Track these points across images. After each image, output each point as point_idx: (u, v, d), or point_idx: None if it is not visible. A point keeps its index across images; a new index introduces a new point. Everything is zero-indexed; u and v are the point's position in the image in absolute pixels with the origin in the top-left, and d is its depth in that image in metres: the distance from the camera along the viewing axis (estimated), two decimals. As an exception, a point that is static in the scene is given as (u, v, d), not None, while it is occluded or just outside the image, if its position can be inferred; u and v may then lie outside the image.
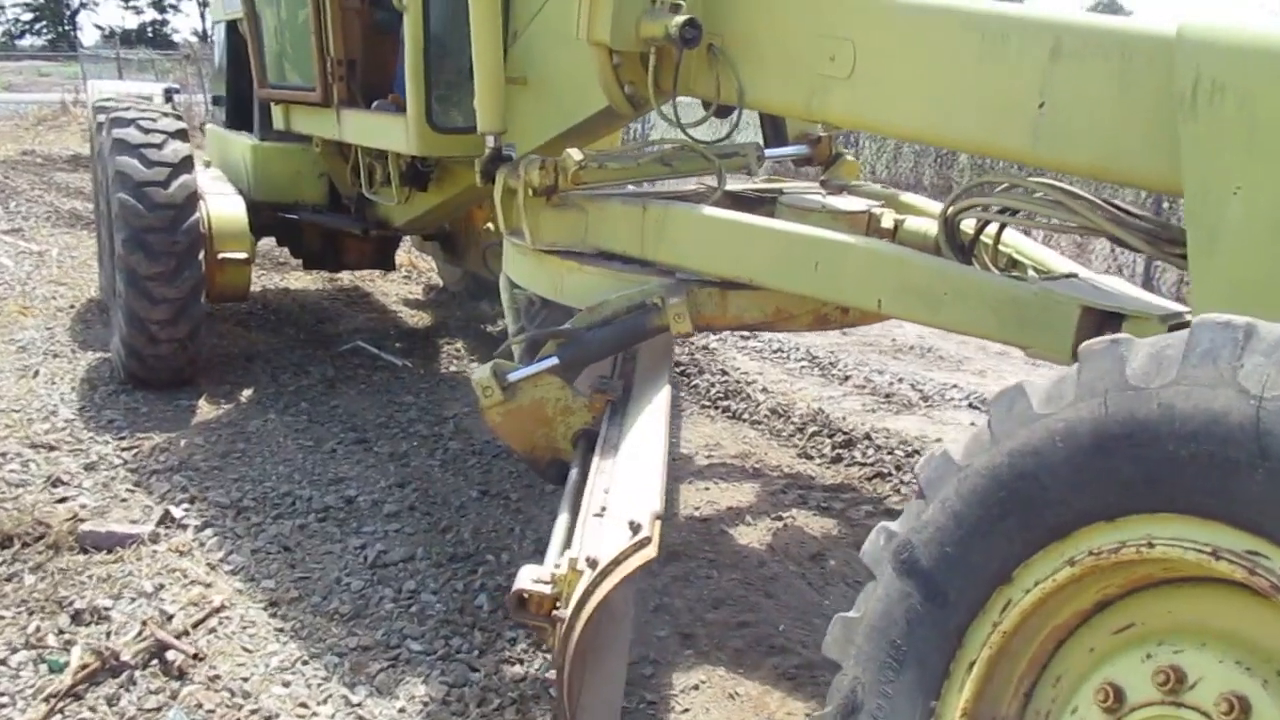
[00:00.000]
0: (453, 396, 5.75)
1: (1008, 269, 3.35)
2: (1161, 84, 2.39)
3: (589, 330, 3.43)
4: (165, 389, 5.50)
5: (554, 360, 3.40)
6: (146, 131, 5.33)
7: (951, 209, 3.07)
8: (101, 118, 6.14)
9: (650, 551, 2.31)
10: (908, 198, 4.06)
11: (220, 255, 5.52)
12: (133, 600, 3.44)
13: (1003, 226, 3.18)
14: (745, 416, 5.52)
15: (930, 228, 3.56)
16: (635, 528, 2.34)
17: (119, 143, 5.26)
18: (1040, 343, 2.75)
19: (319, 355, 6.37)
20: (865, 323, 3.89)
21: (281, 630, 3.31)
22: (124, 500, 4.24)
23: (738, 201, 3.99)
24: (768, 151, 4.25)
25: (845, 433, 5.10)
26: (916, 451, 4.88)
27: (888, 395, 5.99)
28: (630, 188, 4.03)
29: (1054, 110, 2.66)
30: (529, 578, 2.36)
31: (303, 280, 8.43)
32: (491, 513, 4.22)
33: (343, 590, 3.55)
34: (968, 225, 3.14)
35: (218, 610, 3.38)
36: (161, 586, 3.53)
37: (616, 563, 2.29)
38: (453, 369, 6.36)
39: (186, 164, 5.32)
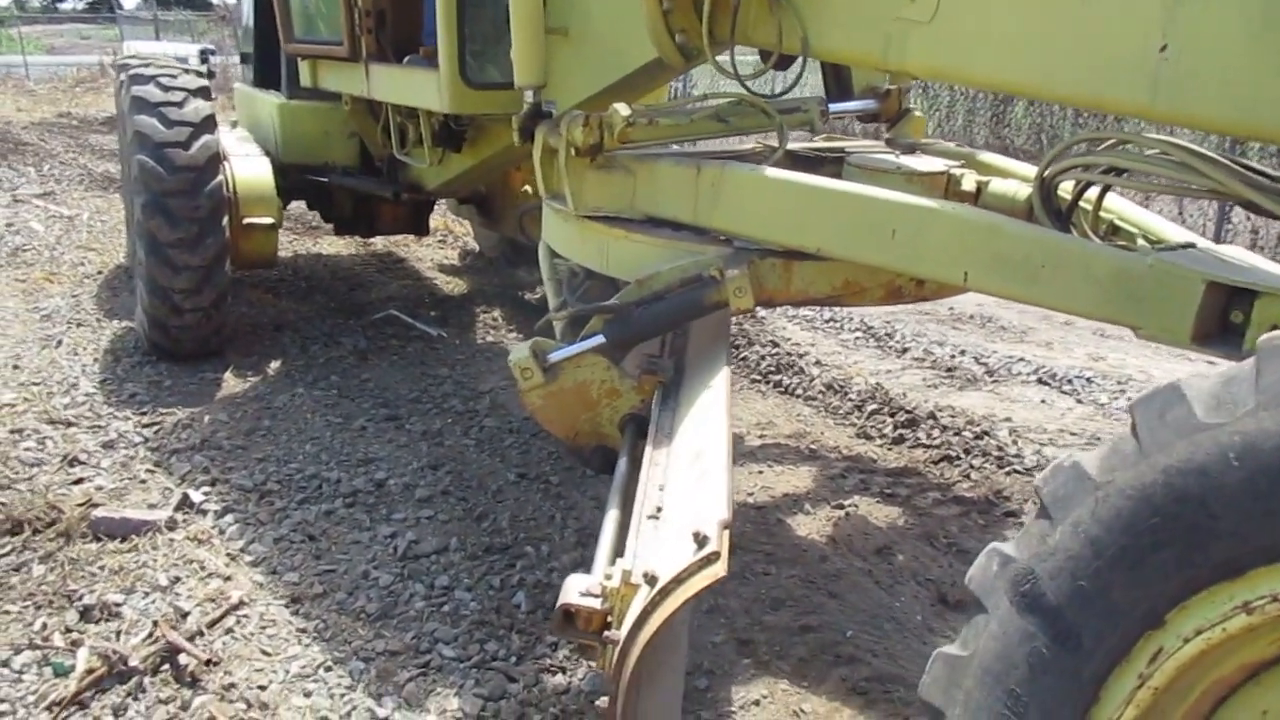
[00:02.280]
0: (489, 369, 5.47)
1: (1108, 236, 2.99)
2: (1318, 19, 2.01)
3: (639, 305, 3.09)
4: (189, 360, 5.26)
5: (600, 339, 3.07)
6: (166, 89, 5.04)
7: (1050, 170, 2.71)
8: (122, 76, 5.88)
9: (719, 569, 1.97)
10: (988, 157, 3.66)
11: (246, 220, 5.24)
12: (146, 595, 3.19)
13: (1105, 190, 2.81)
14: (799, 392, 5.18)
15: (1019, 190, 3.19)
16: (701, 540, 2.00)
17: (138, 100, 4.98)
18: (1154, 323, 2.38)
19: (351, 325, 6.10)
20: (941, 296, 3.51)
21: (304, 631, 3.05)
22: (143, 482, 4.00)
23: (799, 162, 3.63)
24: (832, 106, 3.88)
25: (908, 411, 4.75)
26: (986, 433, 4.53)
27: (949, 369, 5.62)
28: (675, 147, 3.68)
29: (1178, 55, 2.27)
30: (576, 590, 2.07)
31: (335, 245, 8.18)
32: (530, 498, 3.94)
33: (370, 585, 3.29)
34: (1064, 189, 2.77)
35: (236, 607, 3.13)
36: (177, 579, 3.29)
37: (679, 581, 1.96)
38: (489, 339, 6.07)
39: (208, 123, 5.03)
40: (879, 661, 2.94)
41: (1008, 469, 4.18)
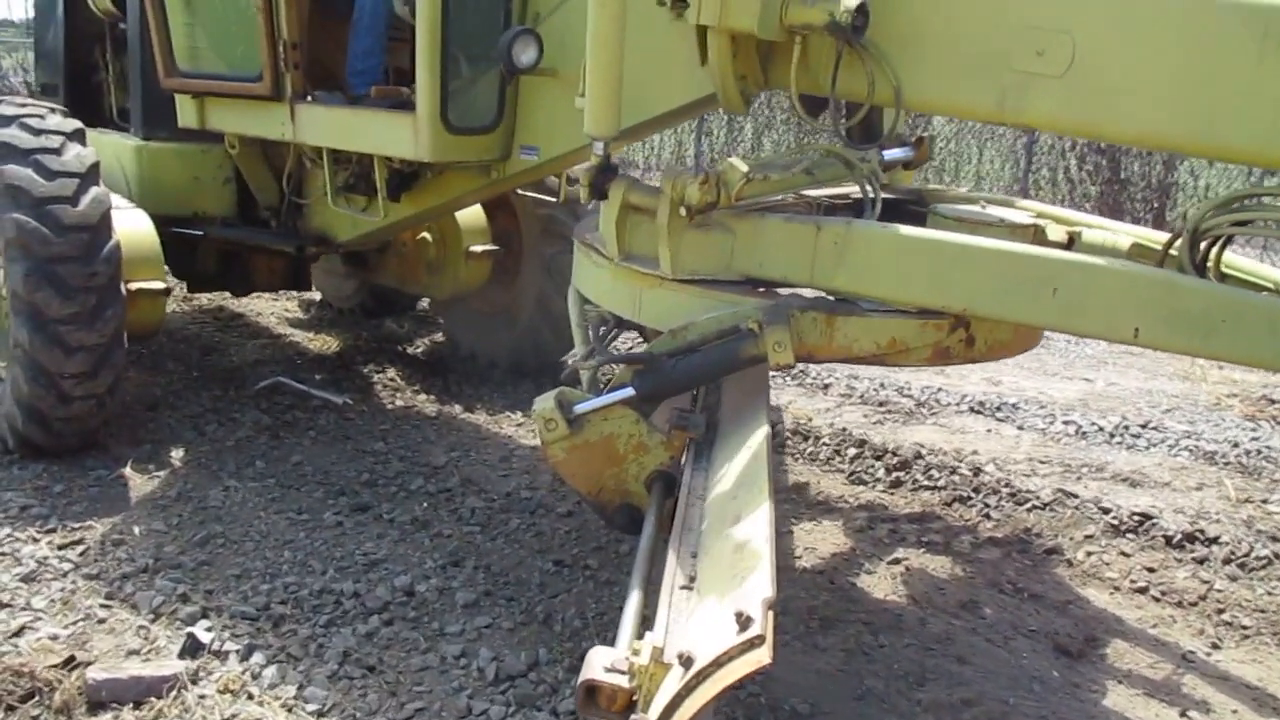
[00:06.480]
0: (426, 439, 4.93)
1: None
2: None
3: (671, 357, 2.89)
4: (67, 457, 4.35)
5: (629, 391, 2.85)
6: (37, 133, 4.15)
7: (1204, 223, 2.77)
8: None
9: (763, 655, 1.72)
10: (1028, 204, 3.73)
11: (133, 286, 4.40)
12: (215, 775, 2.55)
13: (1227, 241, 2.92)
14: (765, 440, 5.06)
15: (1117, 240, 3.26)
16: (744, 621, 1.76)
17: (3, 148, 4.06)
18: (1342, 372, 2.47)
19: (234, 397, 5.31)
20: (990, 358, 3.46)
21: (444, 792, 2.54)
22: (102, 621, 3.22)
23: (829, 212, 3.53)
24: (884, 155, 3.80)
25: (893, 453, 4.76)
26: (980, 469, 4.61)
27: (882, 403, 5.72)
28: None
29: (1363, 113, 2.38)
30: (600, 664, 1.82)
31: (153, 302, 7.13)
32: (584, 588, 3.54)
33: (483, 721, 2.81)
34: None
35: (344, 775, 2.56)
36: (243, 748, 2.65)
37: (717, 664, 1.72)
38: (400, 403, 5.49)
39: (94, 173, 4.18)
40: (1058, 729, 2.87)
41: (1028, 505, 4.27)
